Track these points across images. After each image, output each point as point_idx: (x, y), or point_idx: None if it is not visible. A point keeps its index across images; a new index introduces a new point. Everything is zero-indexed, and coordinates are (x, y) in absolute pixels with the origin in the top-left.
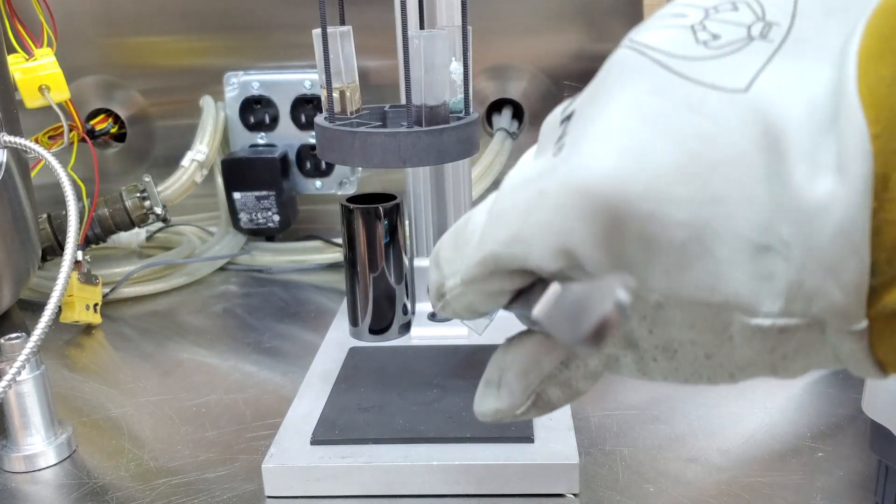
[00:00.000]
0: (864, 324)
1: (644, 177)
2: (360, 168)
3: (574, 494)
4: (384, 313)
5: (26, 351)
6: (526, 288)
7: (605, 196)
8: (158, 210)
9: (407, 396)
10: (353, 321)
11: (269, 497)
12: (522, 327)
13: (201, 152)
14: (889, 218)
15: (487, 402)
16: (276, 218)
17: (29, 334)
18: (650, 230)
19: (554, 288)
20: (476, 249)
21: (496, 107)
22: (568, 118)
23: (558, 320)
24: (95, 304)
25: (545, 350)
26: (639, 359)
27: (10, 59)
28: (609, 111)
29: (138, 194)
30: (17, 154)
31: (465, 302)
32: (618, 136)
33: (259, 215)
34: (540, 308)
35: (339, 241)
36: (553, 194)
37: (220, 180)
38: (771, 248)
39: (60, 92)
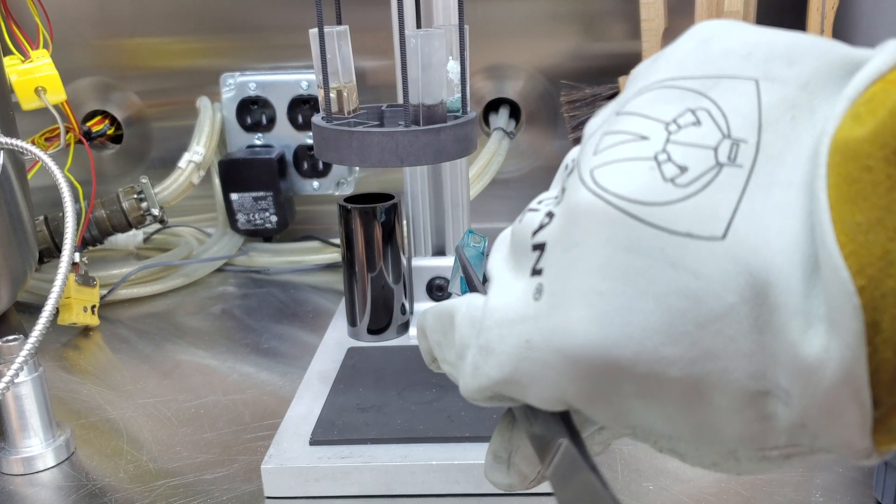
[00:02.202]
0: (871, 454)
1: (632, 342)
2: (357, 168)
3: None
4: (382, 313)
5: (24, 353)
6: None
7: (593, 362)
8: (156, 211)
9: (406, 396)
10: (352, 321)
11: (269, 498)
12: None
13: (198, 153)
14: (884, 357)
15: (498, 476)
16: (274, 219)
17: (26, 336)
18: (646, 388)
19: (562, 451)
20: (472, 378)
21: (493, 106)
22: (541, 248)
23: (562, 488)
24: (93, 306)
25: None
26: (644, 440)
27: (7, 61)
28: (585, 272)
29: (135, 196)
30: (14, 156)
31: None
32: (599, 300)
33: (256, 216)
34: (551, 471)
35: (337, 241)
36: (540, 350)
37: (217, 181)
38: (770, 392)
39: (57, 94)
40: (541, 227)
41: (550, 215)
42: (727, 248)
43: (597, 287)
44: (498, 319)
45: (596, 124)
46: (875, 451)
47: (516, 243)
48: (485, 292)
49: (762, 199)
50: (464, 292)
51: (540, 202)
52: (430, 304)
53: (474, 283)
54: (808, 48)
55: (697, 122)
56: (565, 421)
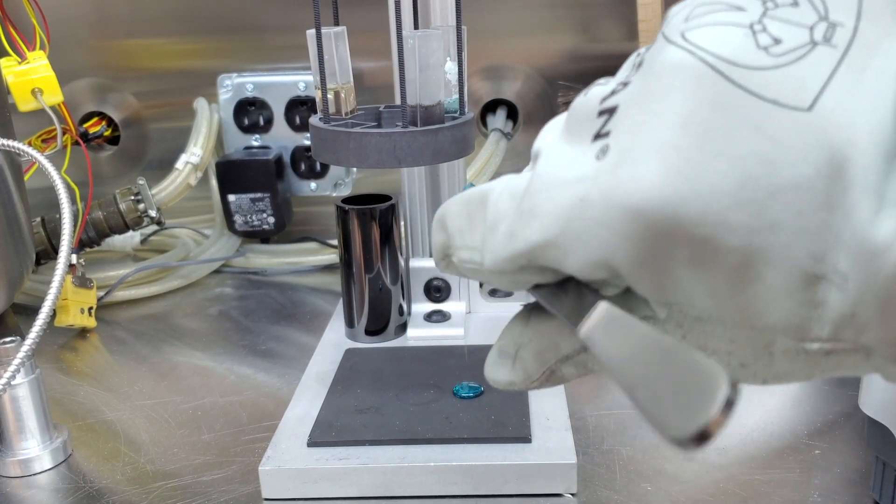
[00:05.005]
0: None
1: (699, 201)
2: (355, 169)
3: (572, 494)
4: (380, 314)
5: (21, 355)
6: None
7: (656, 219)
8: (153, 213)
9: (404, 397)
10: (350, 322)
11: (266, 499)
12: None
13: (195, 155)
14: None
15: (501, 372)
16: (271, 220)
17: (23, 338)
18: (701, 256)
19: (602, 308)
20: (505, 244)
21: (491, 107)
22: (610, 113)
23: (607, 344)
24: (90, 308)
25: (565, 335)
26: None
27: (3, 62)
28: (664, 124)
29: (132, 197)
30: (11, 157)
31: (481, 278)
32: (673, 154)
33: (254, 217)
34: (588, 328)
35: (335, 242)
36: (597, 206)
37: (214, 183)
38: (826, 278)
39: (53, 95)
40: (612, 93)
41: (625, 84)
42: (811, 120)
43: (674, 141)
44: (548, 182)
45: (680, 6)
46: None
47: (577, 115)
48: None
49: (853, 80)
50: None
51: (606, 82)
52: (429, 305)
53: None
54: None
55: (795, 4)
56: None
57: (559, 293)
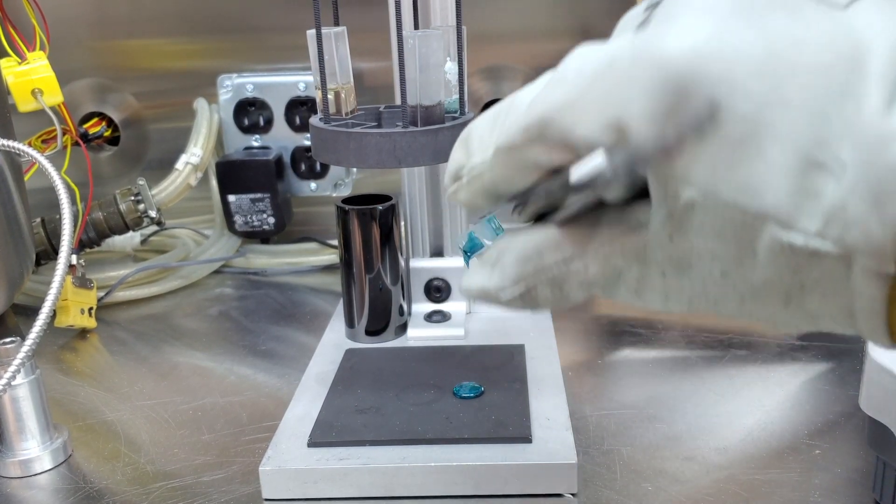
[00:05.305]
0: (892, 267)
1: (723, 61)
2: (355, 169)
3: (572, 494)
4: (380, 315)
5: (21, 355)
6: (553, 183)
7: (677, 69)
8: (153, 213)
9: (404, 398)
10: (350, 323)
11: (267, 500)
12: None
13: (195, 155)
14: None
15: (476, 278)
16: (272, 220)
17: (23, 339)
18: (711, 118)
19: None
20: (523, 115)
21: (490, 107)
22: (655, 5)
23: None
24: (90, 308)
25: (552, 244)
26: (643, 276)
27: (3, 62)
28: None
29: (132, 198)
30: (11, 158)
31: (488, 179)
32: (708, 19)
33: (254, 218)
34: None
35: (335, 242)
36: (625, 64)
37: (214, 183)
38: (825, 166)
39: (53, 95)
40: None
41: None
42: (845, 17)
43: (711, 7)
44: (581, 55)
45: None
46: (890, 338)
47: (623, 22)
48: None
49: None
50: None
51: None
52: (429, 305)
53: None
54: None
55: None
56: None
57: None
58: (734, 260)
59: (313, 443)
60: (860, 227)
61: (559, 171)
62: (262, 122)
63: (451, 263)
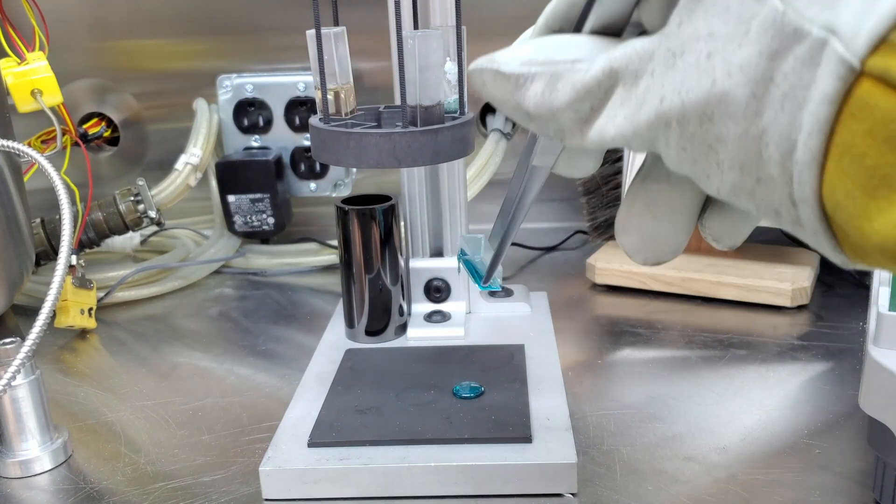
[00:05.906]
0: (856, 61)
1: None
2: (354, 170)
3: (572, 494)
4: (380, 315)
5: (21, 356)
6: None
7: None
8: (152, 214)
9: (404, 398)
10: (350, 323)
11: (267, 500)
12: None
13: (195, 155)
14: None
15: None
16: (271, 220)
17: (23, 339)
18: None
19: None
20: None
21: (490, 107)
22: None
23: None
24: (90, 309)
25: (574, 44)
26: (637, 76)
27: (3, 63)
28: None
29: (132, 198)
30: (11, 158)
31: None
32: None
33: (254, 218)
34: None
35: (335, 243)
36: None
37: (214, 183)
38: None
39: (53, 96)
40: None
41: None
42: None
43: None
44: None
45: None
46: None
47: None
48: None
49: None
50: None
51: None
52: (429, 305)
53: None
54: None
55: None
56: None
57: None
58: (726, 37)
59: (313, 443)
60: (850, 9)
61: None
62: (261, 123)
63: (450, 264)
